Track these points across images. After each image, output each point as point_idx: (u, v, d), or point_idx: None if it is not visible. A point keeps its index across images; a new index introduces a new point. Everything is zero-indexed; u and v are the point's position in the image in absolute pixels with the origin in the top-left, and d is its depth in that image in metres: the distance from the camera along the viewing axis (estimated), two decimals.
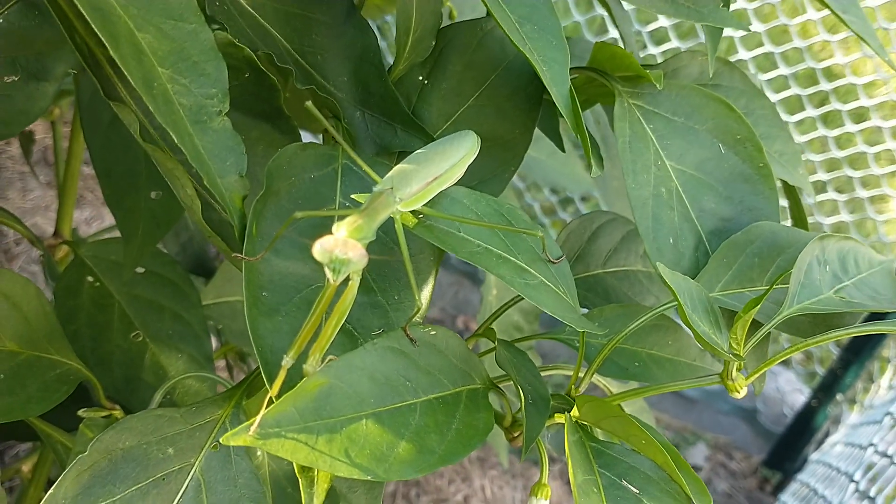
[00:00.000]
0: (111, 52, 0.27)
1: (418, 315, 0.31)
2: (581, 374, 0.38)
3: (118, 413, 0.42)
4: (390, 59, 0.43)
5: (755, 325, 0.37)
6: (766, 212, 0.41)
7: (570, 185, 0.97)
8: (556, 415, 0.33)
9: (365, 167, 0.32)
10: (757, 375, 0.36)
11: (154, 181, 0.43)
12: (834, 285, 0.39)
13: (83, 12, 0.27)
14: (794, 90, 1.06)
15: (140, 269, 0.47)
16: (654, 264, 0.32)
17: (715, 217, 0.40)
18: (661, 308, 0.36)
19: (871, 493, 0.69)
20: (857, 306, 0.39)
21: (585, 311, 0.42)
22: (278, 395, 0.28)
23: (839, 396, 1.12)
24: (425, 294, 0.33)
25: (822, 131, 1.07)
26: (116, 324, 0.46)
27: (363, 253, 0.24)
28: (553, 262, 0.35)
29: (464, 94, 0.40)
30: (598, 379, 0.44)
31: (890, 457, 0.71)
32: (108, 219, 1.11)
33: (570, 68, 0.43)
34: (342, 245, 0.24)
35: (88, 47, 0.30)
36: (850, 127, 1.04)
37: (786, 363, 1.27)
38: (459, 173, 0.33)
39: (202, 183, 0.29)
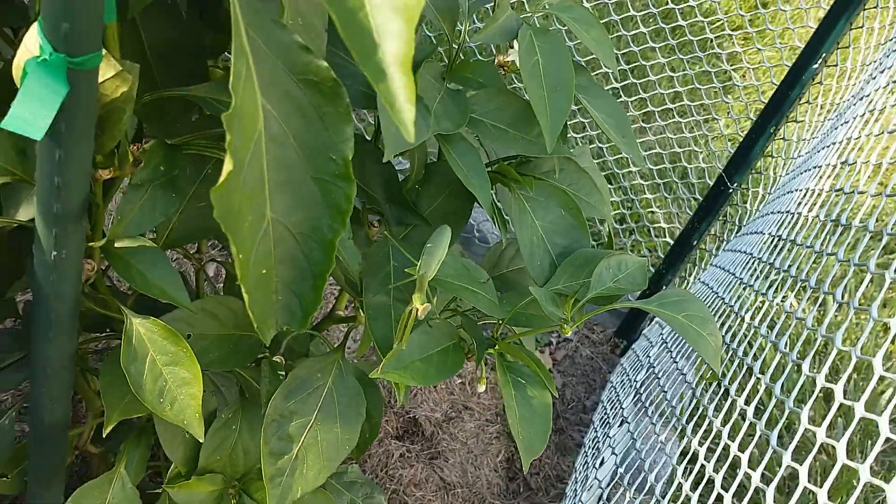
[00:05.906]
0: None
1: (433, 315, 0.74)
2: (501, 328, 0.83)
3: (279, 359, 0.83)
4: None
5: (577, 302, 0.82)
6: (585, 244, 0.84)
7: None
8: (489, 349, 0.77)
9: (401, 249, 0.73)
10: (577, 325, 0.80)
11: None
12: (613, 279, 0.83)
13: None
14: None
15: None
16: (525, 286, 0.75)
17: (560, 247, 0.83)
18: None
19: (654, 339, 1.18)
20: (625, 290, 0.83)
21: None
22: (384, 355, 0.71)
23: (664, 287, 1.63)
24: (435, 302, 0.75)
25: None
26: None
27: (428, 306, 0.66)
28: (483, 283, 0.78)
29: (438, 195, 0.81)
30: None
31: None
32: None
33: (490, 169, 0.85)
34: (421, 308, 0.66)
35: None
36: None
37: None
38: (445, 251, 0.74)
39: (345, 270, 0.70)
